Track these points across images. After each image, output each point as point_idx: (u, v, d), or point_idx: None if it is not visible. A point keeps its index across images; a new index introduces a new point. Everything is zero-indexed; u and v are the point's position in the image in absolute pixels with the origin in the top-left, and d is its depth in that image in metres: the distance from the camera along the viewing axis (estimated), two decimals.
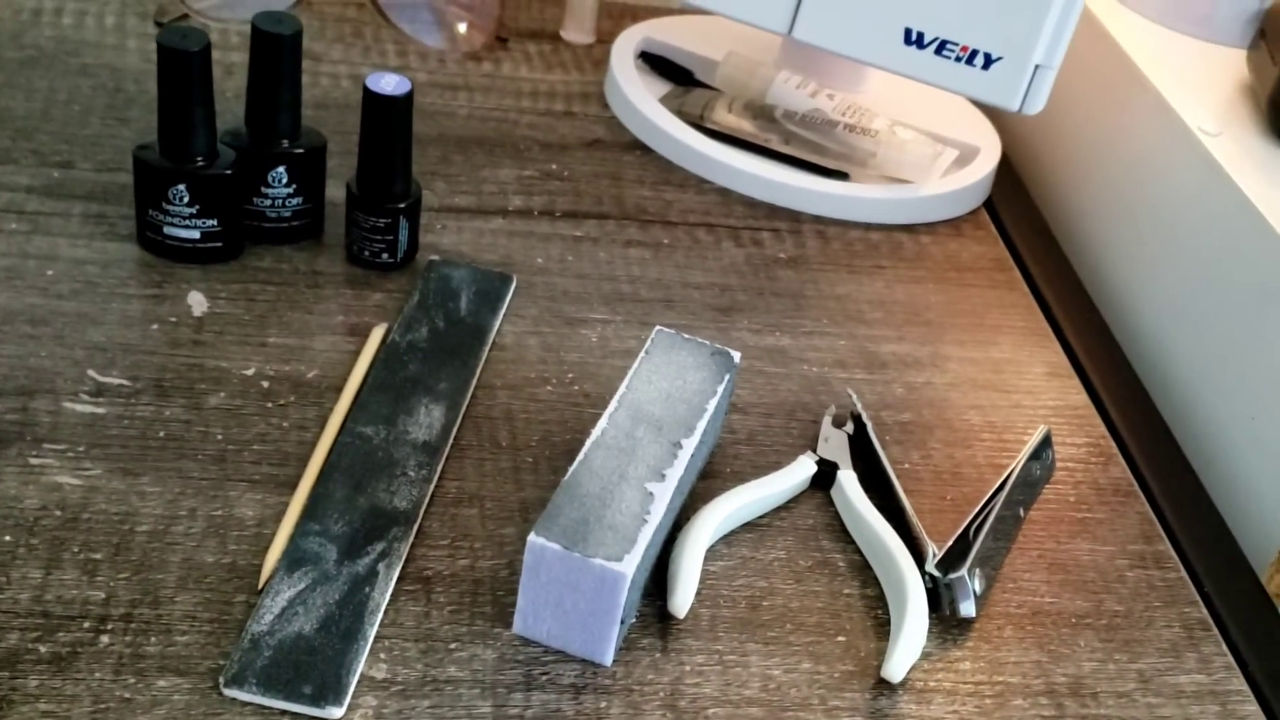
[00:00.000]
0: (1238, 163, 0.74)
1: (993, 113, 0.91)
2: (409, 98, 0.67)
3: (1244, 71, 0.84)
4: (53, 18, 0.88)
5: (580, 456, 0.55)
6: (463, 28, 0.93)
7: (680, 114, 0.86)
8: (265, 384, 0.63)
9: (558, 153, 0.84)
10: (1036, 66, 0.74)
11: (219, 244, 0.69)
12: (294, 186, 0.70)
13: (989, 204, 0.87)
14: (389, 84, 0.67)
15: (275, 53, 0.67)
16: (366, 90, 0.67)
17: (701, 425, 0.58)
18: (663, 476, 0.55)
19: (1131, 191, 0.83)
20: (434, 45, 0.92)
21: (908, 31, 0.75)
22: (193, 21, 0.89)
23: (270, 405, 0.62)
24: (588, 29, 0.96)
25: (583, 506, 0.53)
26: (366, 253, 0.71)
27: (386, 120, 0.67)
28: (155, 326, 0.65)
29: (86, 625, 0.51)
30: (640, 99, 0.87)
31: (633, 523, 0.52)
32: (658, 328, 0.62)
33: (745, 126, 0.85)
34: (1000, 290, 0.79)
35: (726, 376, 0.61)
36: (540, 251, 0.75)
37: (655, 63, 0.92)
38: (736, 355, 0.62)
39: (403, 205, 0.70)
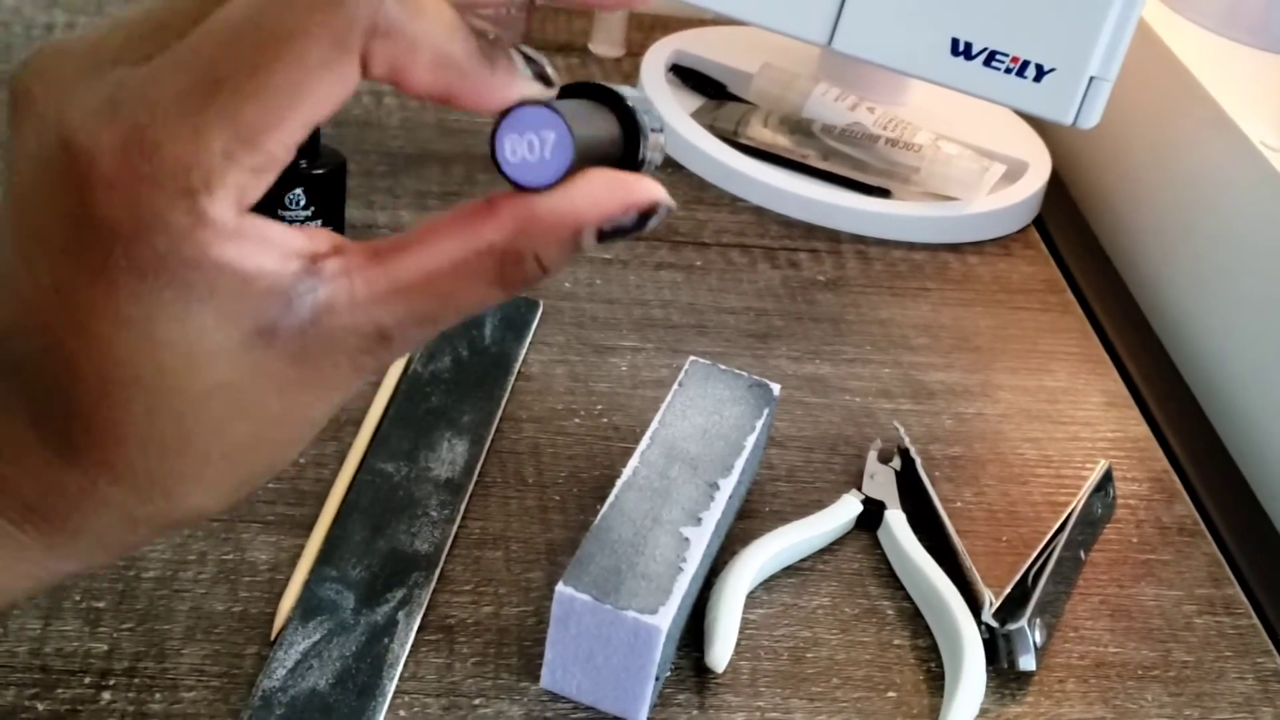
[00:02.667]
0: None
1: (1041, 126, 0.88)
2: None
3: None
4: (65, 33, 0.86)
5: (611, 498, 0.51)
6: None
7: (713, 129, 0.83)
8: None
9: None
10: (1091, 78, 0.70)
11: None
12: (312, 209, 0.67)
13: (1039, 222, 0.83)
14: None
15: None
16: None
17: (740, 464, 0.54)
18: (699, 520, 0.51)
19: (1189, 209, 0.79)
20: None
21: (955, 42, 0.72)
22: None
23: None
24: (617, 41, 0.93)
25: (614, 554, 0.49)
26: None
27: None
28: None
29: (88, 681, 0.48)
30: (672, 114, 0.83)
31: (668, 571, 0.49)
32: (691, 358, 0.59)
33: (781, 142, 0.82)
34: (1053, 314, 0.75)
35: (765, 410, 0.57)
36: (568, 275, 0.72)
37: (687, 76, 0.88)
38: (776, 387, 0.58)
39: None
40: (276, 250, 0.29)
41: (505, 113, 0.29)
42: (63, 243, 0.28)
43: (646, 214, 0.31)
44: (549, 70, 0.31)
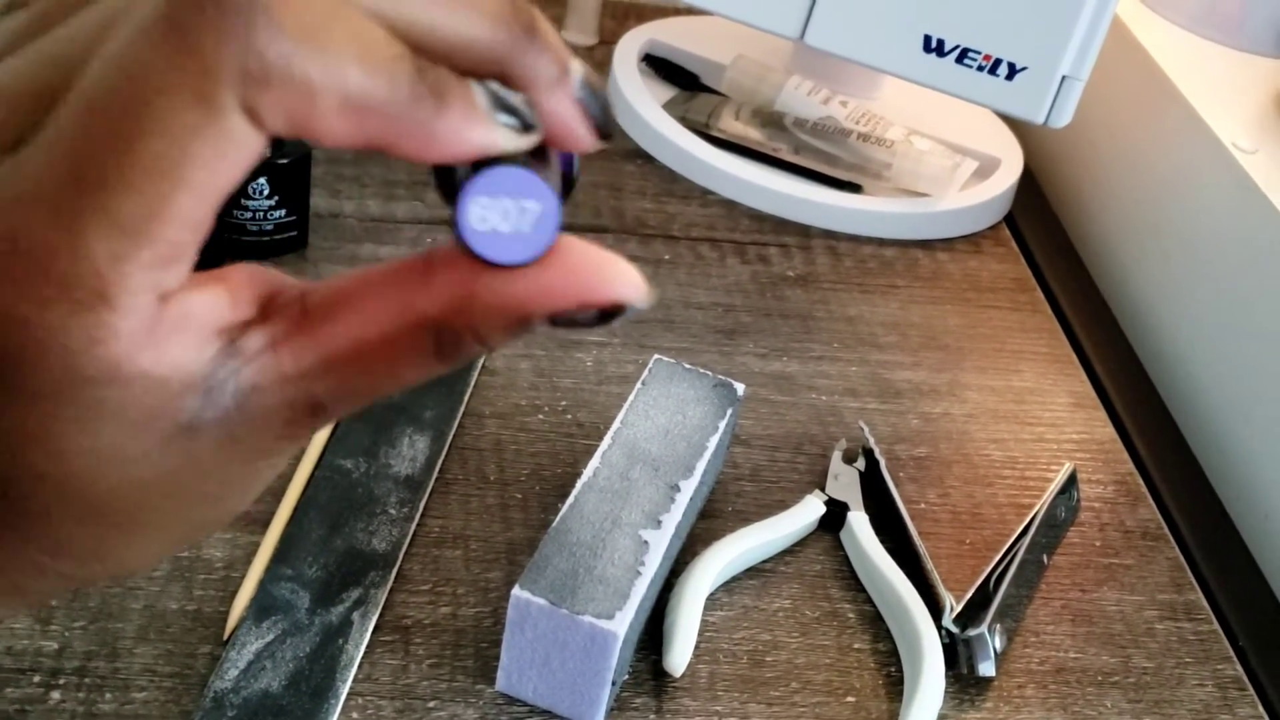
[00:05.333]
0: (1275, 182, 0.70)
1: (1014, 122, 0.87)
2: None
3: (1279, 83, 0.80)
4: None
5: (570, 500, 0.51)
6: None
7: (684, 121, 0.82)
8: None
9: None
10: (1064, 78, 0.70)
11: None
12: (276, 198, 0.66)
13: (1010, 219, 0.83)
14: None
15: None
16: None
17: (701, 465, 0.54)
18: (659, 523, 0.51)
19: (1160, 209, 0.79)
20: None
21: (927, 39, 0.71)
22: None
23: None
24: (590, 29, 0.92)
25: (572, 556, 0.49)
26: None
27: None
28: None
29: (37, 680, 0.47)
30: (643, 104, 0.82)
31: (625, 575, 0.48)
32: (656, 357, 0.58)
33: (753, 135, 0.81)
34: (1022, 313, 0.75)
35: (729, 411, 0.57)
36: None
37: (659, 66, 0.88)
38: (740, 387, 0.58)
39: None
40: (194, 337, 0.25)
41: (476, 167, 0.24)
42: None
43: (609, 313, 0.25)
44: (526, 113, 0.24)
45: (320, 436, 0.58)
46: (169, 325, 0.24)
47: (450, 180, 0.25)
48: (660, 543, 0.50)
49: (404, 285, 0.26)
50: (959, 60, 0.71)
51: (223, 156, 0.23)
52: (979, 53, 0.71)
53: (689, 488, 0.53)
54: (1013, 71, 0.70)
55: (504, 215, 0.24)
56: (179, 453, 0.26)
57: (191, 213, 0.23)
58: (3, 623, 0.32)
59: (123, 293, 0.23)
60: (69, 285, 0.23)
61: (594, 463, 0.53)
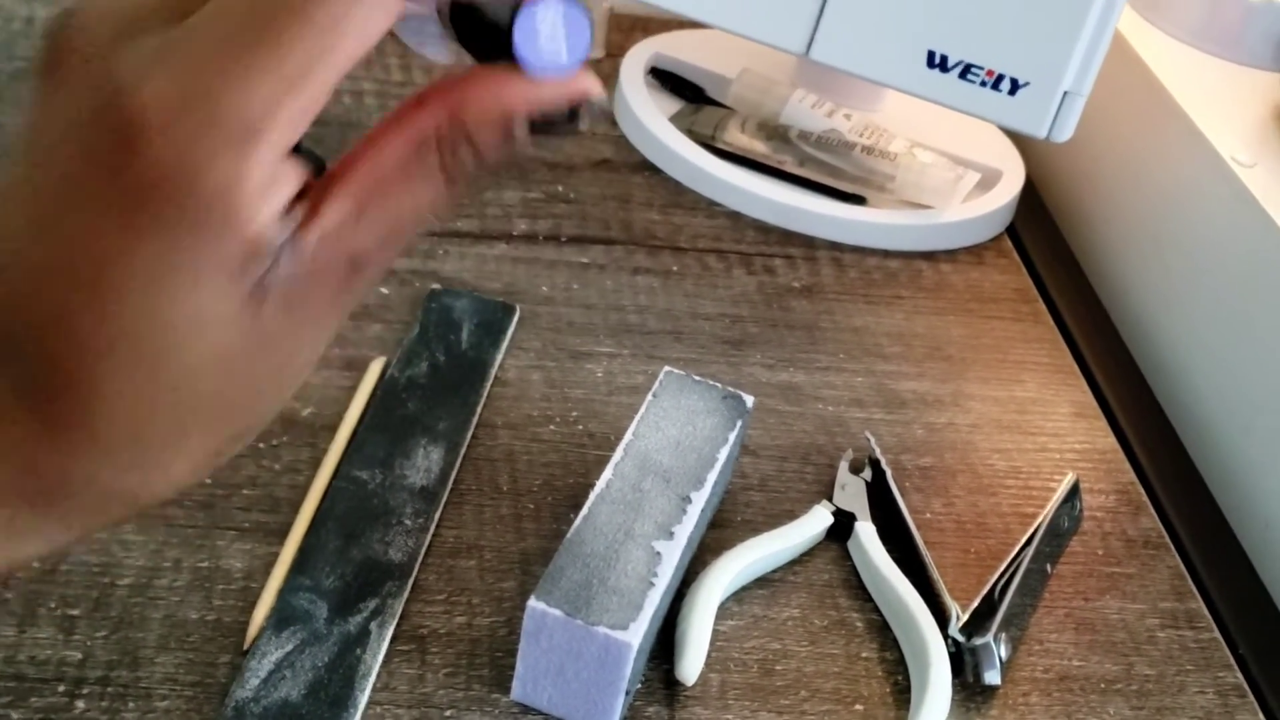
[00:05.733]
0: (1274, 196, 0.71)
1: (1016, 135, 0.88)
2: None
3: (1278, 97, 0.81)
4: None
5: (584, 511, 0.52)
6: None
7: (691, 133, 0.83)
8: None
9: (564, 174, 0.81)
10: (1065, 93, 0.71)
11: None
12: None
13: (1012, 230, 0.84)
14: None
15: None
16: None
17: (712, 477, 0.55)
18: (671, 534, 0.52)
19: (1161, 222, 0.80)
20: (439, 60, 0.89)
21: (930, 54, 0.72)
22: None
23: (262, 446, 0.59)
24: (597, 43, 0.93)
25: (586, 567, 0.50)
26: None
27: None
28: None
29: (61, 689, 0.48)
30: (650, 117, 0.84)
31: (639, 586, 0.49)
32: (666, 368, 0.59)
33: (758, 147, 0.82)
34: (1025, 323, 0.76)
35: (739, 422, 0.58)
36: (545, 279, 0.72)
37: (666, 79, 0.89)
38: (749, 399, 0.59)
39: None
40: (279, 202, 0.29)
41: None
42: (95, 192, 0.28)
43: (577, 107, 0.31)
44: None
45: (336, 448, 0.59)
46: (275, 184, 0.29)
47: (472, 22, 0.31)
48: (672, 554, 0.51)
49: (404, 115, 0.31)
50: (962, 76, 0.72)
51: (375, 22, 0.28)
52: (982, 68, 0.72)
53: (700, 499, 0.54)
54: (1015, 87, 0.71)
55: (552, 33, 0.30)
56: (248, 318, 0.30)
57: (337, 72, 0.28)
58: (30, 563, 0.34)
59: (268, 138, 0.28)
60: (229, 127, 0.28)
61: (606, 474, 0.54)
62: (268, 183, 0.28)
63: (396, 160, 0.30)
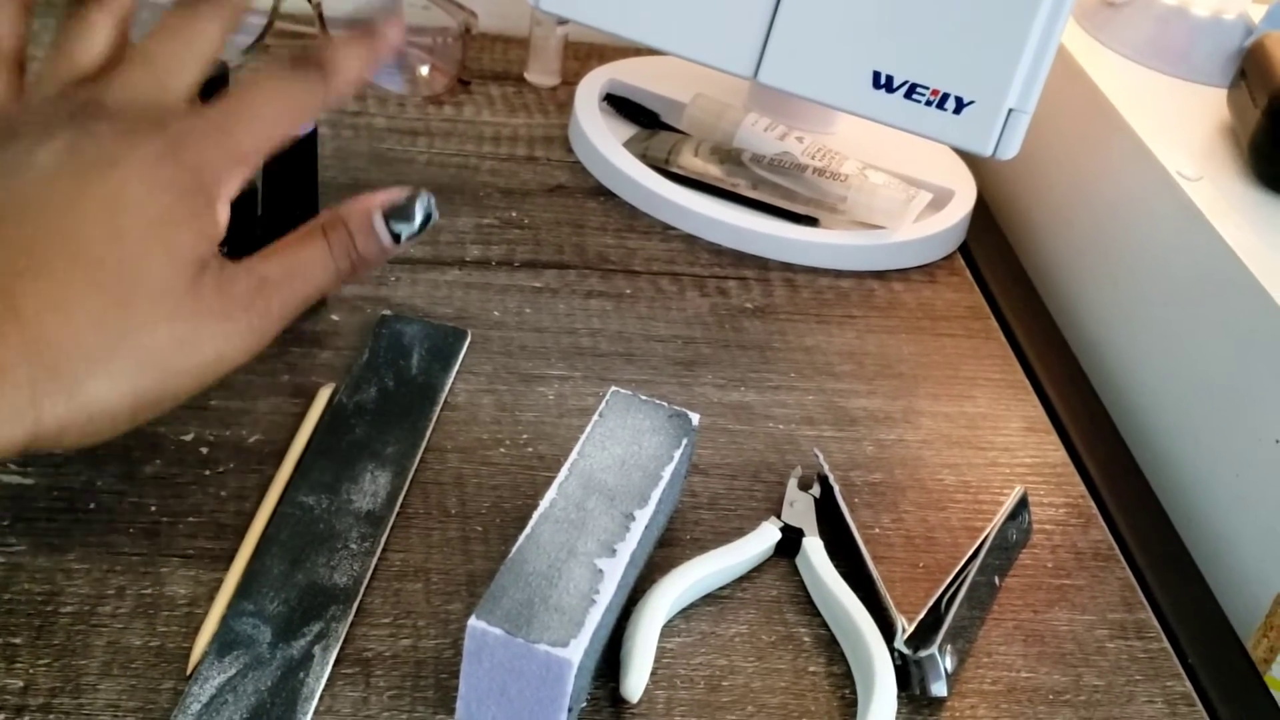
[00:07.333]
0: (1218, 209, 0.72)
1: (967, 155, 0.89)
2: (312, 137, 0.66)
3: (1224, 112, 0.82)
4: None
5: (527, 531, 0.52)
6: (424, 70, 0.91)
7: (645, 158, 0.84)
8: (204, 450, 0.60)
9: (519, 199, 0.81)
10: (1010, 110, 0.72)
11: None
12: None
13: (964, 248, 0.85)
14: None
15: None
16: None
17: (656, 494, 0.55)
18: (614, 552, 0.52)
19: (1110, 237, 0.80)
20: (394, 89, 0.89)
21: (876, 75, 0.73)
22: None
23: (208, 473, 0.59)
24: (553, 70, 0.94)
25: (528, 586, 0.50)
26: None
27: (290, 161, 0.65)
28: None
29: (2, 717, 0.48)
30: (604, 143, 0.84)
31: (580, 603, 0.49)
32: (612, 388, 0.59)
33: (712, 171, 0.83)
34: (976, 340, 0.76)
35: (684, 440, 0.58)
36: (497, 304, 0.73)
37: (620, 105, 0.89)
38: (695, 417, 0.59)
39: None
40: (223, 221, 0.46)
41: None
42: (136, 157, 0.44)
43: (411, 197, 0.50)
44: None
45: (283, 474, 0.59)
46: (222, 216, 0.46)
47: None
48: (615, 571, 0.51)
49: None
50: (907, 95, 0.73)
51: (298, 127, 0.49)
52: (927, 88, 0.72)
53: (644, 516, 0.54)
54: (960, 105, 0.72)
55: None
56: (190, 279, 0.44)
57: (269, 149, 0.47)
58: None
59: (242, 173, 0.47)
60: (209, 189, 0.45)
61: (550, 494, 0.54)
62: (230, 195, 0.46)
63: (296, 235, 0.48)
